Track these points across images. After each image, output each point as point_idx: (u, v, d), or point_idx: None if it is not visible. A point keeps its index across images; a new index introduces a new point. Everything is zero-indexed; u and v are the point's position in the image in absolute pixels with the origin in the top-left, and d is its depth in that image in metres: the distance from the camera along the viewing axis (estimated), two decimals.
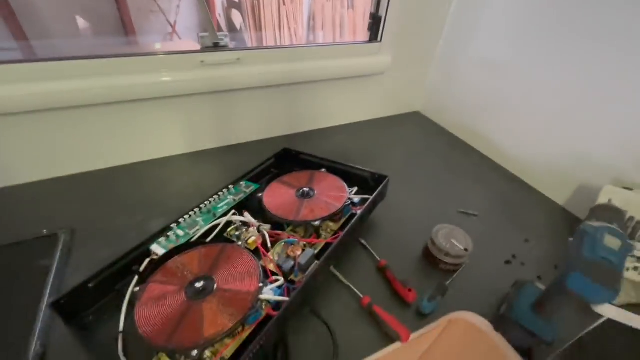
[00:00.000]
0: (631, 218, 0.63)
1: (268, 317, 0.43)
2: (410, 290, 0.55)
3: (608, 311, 0.57)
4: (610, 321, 0.44)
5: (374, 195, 0.63)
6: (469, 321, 0.57)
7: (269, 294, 0.46)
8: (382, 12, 0.88)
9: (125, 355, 0.43)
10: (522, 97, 0.87)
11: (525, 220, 0.77)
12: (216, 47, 0.74)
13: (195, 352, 0.38)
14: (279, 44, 2.52)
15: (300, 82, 0.88)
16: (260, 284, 0.46)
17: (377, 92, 1.06)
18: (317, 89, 0.93)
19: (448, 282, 0.60)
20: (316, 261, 0.51)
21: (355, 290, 0.56)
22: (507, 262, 0.66)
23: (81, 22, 1.89)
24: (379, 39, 0.91)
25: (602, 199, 0.67)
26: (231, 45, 0.76)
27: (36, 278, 0.54)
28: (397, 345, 0.51)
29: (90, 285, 0.49)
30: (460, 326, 0.66)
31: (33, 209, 0.68)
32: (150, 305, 0.44)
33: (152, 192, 0.75)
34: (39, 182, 0.74)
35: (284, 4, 2.76)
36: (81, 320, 0.48)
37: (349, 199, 0.64)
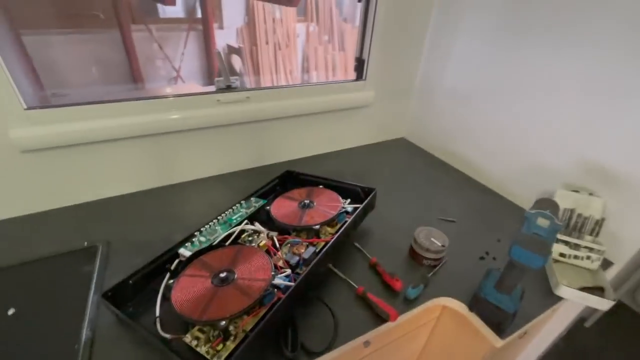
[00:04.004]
0: (579, 215, 0.75)
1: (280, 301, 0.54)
2: (397, 280, 0.66)
3: (565, 293, 0.68)
4: None
5: (364, 203, 0.75)
6: (450, 306, 0.67)
7: (279, 281, 0.56)
8: (364, 56, 1.06)
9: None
10: (488, 120, 1.02)
11: (497, 224, 0.88)
12: (229, 88, 0.90)
13: (223, 323, 0.48)
14: (276, 84, 2.76)
15: (299, 115, 1.03)
16: (272, 273, 0.56)
17: (366, 122, 1.22)
18: (313, 120, 1.08)
19: (430, 274, 0.70)
20: (317, 255, 0.62)
21: (352, 282, 0.66)
22: (482, 258, 0.77)
23: (95, 72, 2.09)
24: (363, 77, 1.09)
25: (558, 201, 0.80)
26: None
27: (82, 280, 0.64)
28: (387, 325, 0.60)
29: (130, 281, 0.59)
30: (448, 316, 0.76)
31: (74, 227, 0.79)
32: (184, 291, 0.54)
33: (175, 211, 0.87)
34: (78, 205, 0.86)
35: (280, 49, 3.04)
36: (123, 310, 0.57)
37: (343, 208, 0.76)
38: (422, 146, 1.29)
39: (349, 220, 0.70)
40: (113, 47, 2.22)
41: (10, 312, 0.58)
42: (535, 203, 0.59)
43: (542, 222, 0.51)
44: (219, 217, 0.74)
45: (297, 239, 0.67)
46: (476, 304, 0.62)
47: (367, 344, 0.65)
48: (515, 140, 0.96)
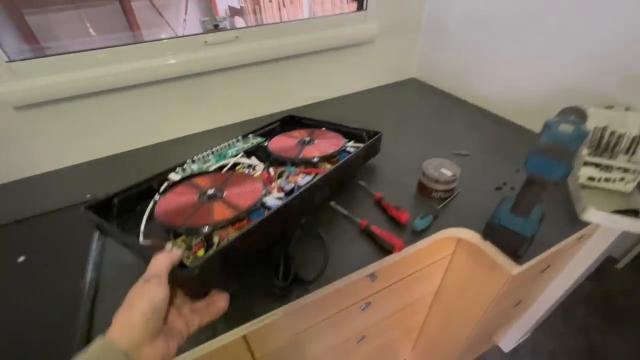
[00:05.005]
0: (612, 133, 0.66)
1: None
2: (403, 212, 0.61)
3: (593, 216, 0.61)
4: None
5: (367, 143, 0.70)
6: (462, 237, 0.63)
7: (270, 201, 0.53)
8: None
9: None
10: (508, 43, 0.91)
11: (516, 155, 0.81)
12: (216, 28, 0.84)
13: (206, 229, 0.46)
14: None
15: (296, 55, 0.96)
16: (263, 192, 0.54)
17: (371, 61, 1.12)
18: (312, 61, 1.00)
19: (440, 206, 0.65)
20: (312, 179, 0.58)
21: (354, 217, 0.63)
22: (498, 188, 0.71)
23: (96, 39, 2.04)
24: (364, 7, 0.98)
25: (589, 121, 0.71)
26: None
27: (85, 229, 0.64)
28: (393, 257, 0.57)
29: (114, 200, 0.56)
30: (463, 251, 0.72)
31: (79, 183, 0.80)
32: (169, 204, 0.52)
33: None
34: (83, 163, 0.87)
35: (284, 6, 2.86)
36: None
37: (345, 147, 0.71)
38: (435, 84, 1.19)
39: (350, 155, 0.65)
40: (115, 19, 2.17)
41: (21, 259, 0.60)
42: (559, 112, 0.51)
43: (565, 128, 0.44)
44: (213, 150, 0.71)
45: (294, 168, 0.64)
46: (490, 231, 0.57)
47: (373, 277, 0.62)
48: (540, 62, 0.85)
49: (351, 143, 0.75)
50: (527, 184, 0.49)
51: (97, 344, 0.28)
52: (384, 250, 0.58)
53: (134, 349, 0.28)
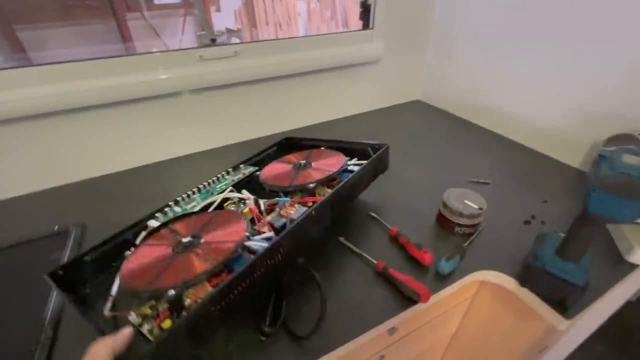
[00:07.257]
0: None
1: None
2: (426, 252, 0.53)
3: None
4: None
5: (372, 157, 0.61)
6: (494, 282, 0.54)
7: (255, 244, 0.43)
8: (371, 0, 0.90)
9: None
10: (520, 65, 0.86)
11: (540, 184, 0.74)
12: (214, 43, 0.77)
13: (171, 292, 0.36)
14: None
15: (298, 74, 0.89)
16: (247, 234, 0.43)
17: (375, 81, 1.07)
18: (315, 80, 0.94)
19: (466, 244, 0.57)
20: (307, 210, 0.48)
21: (369, 257, 0.54)
22: (527, 222, 0.63)
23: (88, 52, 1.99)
24: (370, 26, 0.94)
25: None
26: None
27: (47, 270, 0.54)
28: (417, 307, 0.48)
29: (86, 258, 0.46)
30: (488, 294, 0.63)
31: (46, 212, 0.69)
32: (136, 261, 0.43)
33: (160, 189, 0.76)
34: (51, 189, 0.76)
35: (281, 29, 2.88)
36: (78, 293, 0.45)
37: (346, 166, 0.62)
38: (441, 107, 1.14)
39: (353, 174, 0.56)
40: (110, 38, 2.13)
41: None
42: (609, 140, 0.44)
43: (630, 159, 0.37)
44: (200, 187, 0.62)
45: (286, 199, 0.54)
46: (530, 277, 0.48)
47: (392, 330, 0.53)
48: (553, 85, 0.79)
49: (354, 161, 0.66)
50: (582, 224, 0.41)
51: None
52: (406, 298, 0.49)
53: None
